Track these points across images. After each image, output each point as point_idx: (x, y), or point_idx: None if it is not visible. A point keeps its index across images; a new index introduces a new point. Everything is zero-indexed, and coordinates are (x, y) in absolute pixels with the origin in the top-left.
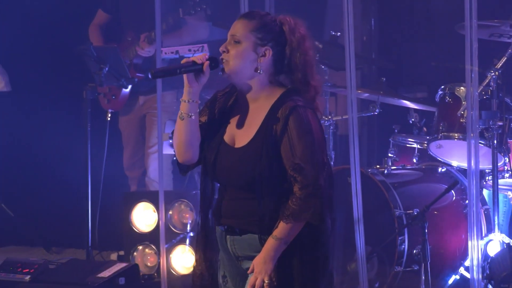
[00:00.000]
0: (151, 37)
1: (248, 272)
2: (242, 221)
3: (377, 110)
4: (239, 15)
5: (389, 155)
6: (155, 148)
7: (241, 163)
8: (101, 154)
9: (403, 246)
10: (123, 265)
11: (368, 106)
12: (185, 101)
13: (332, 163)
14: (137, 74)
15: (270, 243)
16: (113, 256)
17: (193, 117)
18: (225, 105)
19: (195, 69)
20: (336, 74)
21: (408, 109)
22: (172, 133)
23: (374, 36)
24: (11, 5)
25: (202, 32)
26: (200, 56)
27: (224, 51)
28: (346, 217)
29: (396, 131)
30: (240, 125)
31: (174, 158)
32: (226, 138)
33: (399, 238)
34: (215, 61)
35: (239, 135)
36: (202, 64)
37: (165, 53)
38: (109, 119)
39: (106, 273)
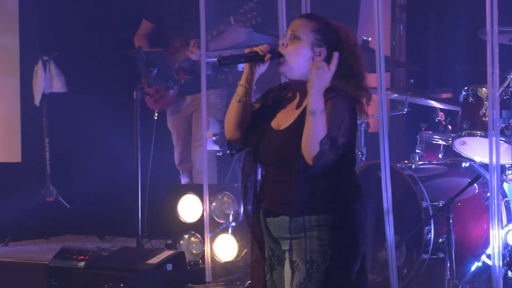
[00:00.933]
0: (198, 43)
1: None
2: (276, 204)
3: (405, 110)
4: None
5: (417, 151)
6: (201, 142)
7: (280, 143)
8: (149, 150)
9: (429, 236)
10: (170, 252)
11: (397, 106)
12: (242, 85)
13: (364, 158)
14: (185, 76)
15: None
16: (161, 244)
17: (246, 101)
18: (277, 96)
19: (256, 58)
20: (368, 76)
21: (434, 108)
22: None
23: (402, 41)
24: (70, 13)
25: (241, 36)
26: (262, 47)
27: (283, 44)
28: (376, 209)
29: (423, 129)
30: (286, 113)
31: (218, 154)
32: (273, 124)
33: (426, 228)
34: (275, 54)
35: (283, 121)
36: (264, 55)
37: (209, 57)
38: (156, 118)
39: (154, 260)
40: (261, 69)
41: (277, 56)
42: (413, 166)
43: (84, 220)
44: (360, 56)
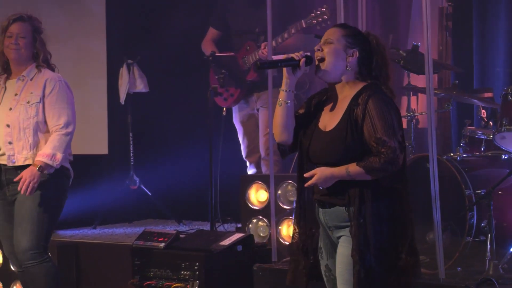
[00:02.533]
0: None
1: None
2: (332, 196)
3: (451, 107)
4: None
5: (461, 144)
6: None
7: (328, 144)
8: (218, 143)
9: (472, 220)
10: (240, 235)
11: (444, 104)
12: (283, 90)
13: (413, 151)
14: (255, 76)
15: (340, 169)
16: (232, 228)
17: (289, 104)
18: (319, 101)
19: (293, 63)
20: (418, 77)
21: (477, 106)
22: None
23: (448, 46)
24: (151, 21)
25: (300, 41)
26: (297, 53)
27: (318, 49)
28: (425, 196)
29: (467, 125)
30: (330, 113)
31: None
32: (320, 125)
33: (469, 213)
34: (309, 59)
35: (328, 121)
36: (299, 60)
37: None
38: (224, 113)
39: (226, 242)
40: (298, 73)
41: (311, 61)
42: (458, 158)
43: (164, 206)
44: (388, 59)
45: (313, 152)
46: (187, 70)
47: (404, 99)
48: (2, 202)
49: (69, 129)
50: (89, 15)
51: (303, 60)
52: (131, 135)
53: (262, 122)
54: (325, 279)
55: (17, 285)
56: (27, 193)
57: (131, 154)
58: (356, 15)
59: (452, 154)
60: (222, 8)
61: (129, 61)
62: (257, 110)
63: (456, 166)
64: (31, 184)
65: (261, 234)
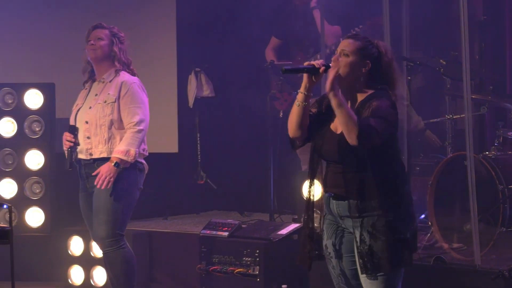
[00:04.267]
0: (317, 59)
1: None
2: (343, 190)
3: (486, 111)
4: (347, 35)
5: (495, 144)
6: None
7: (339, 145)
8: (276, 142)
9: (505, 212)
10: (296, 225)
11: (480, 108)
12: (301, 93)
13: (452, 150)
14: None
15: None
16: (289, 219)
17: (305, 105)
18: (330, 103)
19: (313, 70)
20: (456, 84)
21: (510, 109)
22: None
23: (484, 55)
24: (217, 32)
25: None
26: (318, 61)
27: (335, 60)
28: (462, 190)
29: (500, 126)
30: None
31: None
32: (331, 126)
33: (503, 206)
34: (328, 67)
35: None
36: (319, 68)
37: None
38: (281, 115)
39: (284, 231)
40: (317, 79)
41: (329, 69)
42: (492, 157)
43: (228, 199)
44: (395, 67)
45: (325, 151)
46: (250, 77)
47: (445, 103)
48: (85, 194)
49: (141, 127)
50: (161, 27)
51: (322, 68)
52: (198, 135)
53: None
54: (328, 258)
55: (97, 270)
56: (103, 187)
57: (198, 152)
58: (401, 29)
59: (487, 152)
60: (283, 20)
61: (197, 69)
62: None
63: (490, 164)
64: (107, 178)
65: (315, 224)
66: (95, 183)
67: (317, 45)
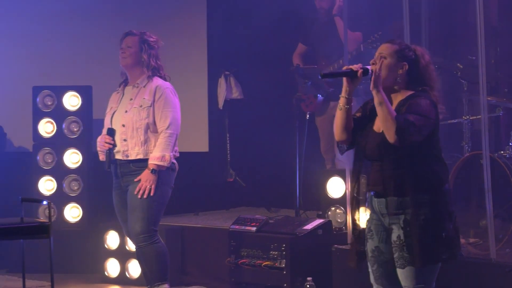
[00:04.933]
0: (340, 64)
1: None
2: (384, 187)
3: (501, 112)
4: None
5: (510, 144)
6: None
7: (381, 144)
8: (302, 142)
9: None
10: (321, 221)
11: (495, 109)
12: (343, 97)
13: (469, 149)
14: (328, 87)
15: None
16: (314, 214)
17: (347, 108)
18: (373, 105)
19: (351, 74)
20: (473, 86)
21: None
22: None
23: (500, 59)
24: (245, 37)
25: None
26: (355, 65)
27: (373, 63)
28: (479, 188)
29: None
30: None
31: None
32: (374, 127)
33: None
34: (366, 71)
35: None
36: (357, 71)
37: None
38: (307, 117)
39: (309, 226)
40: (356, 82)
41: (367, 72)
42: (507, 156)
43: (256, 196)
44: (432, 70)
45: (368, 150)
46: (277, 80)
47: (462, 105)
48: (119, 191)
49: (173, 130)
50: (192, 33)
51: (360, 71)
52: (228, 135)
53: None
54: (371, 259)
55: (132, 263)
56: (145, 196)
57: (228, 151)
58: (420, 34)
59: (502, 152)
60: (308, 27)
61: (227, 72)
62: (334, 116)
63: (505, 162)
64: (147, 188)
65: (338, 220)
66: (135, 192)
67: (340, 51)
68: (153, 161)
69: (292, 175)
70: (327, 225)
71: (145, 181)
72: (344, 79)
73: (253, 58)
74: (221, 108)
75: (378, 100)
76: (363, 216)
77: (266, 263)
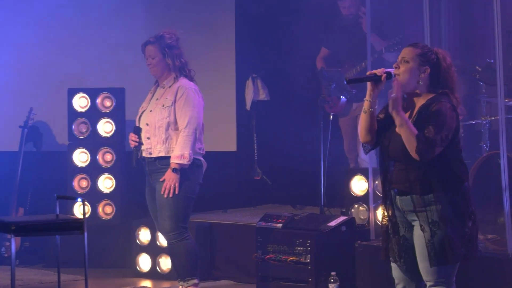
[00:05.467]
0: (362, 66)
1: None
2: (406, 185)
3: None
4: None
5: None
6: None
7: (402, 144)
8: (326, 142)
9: None
10: (344, 218)
11: None
12: (367, 100)
13: (487, 149)
14: (351, 90)
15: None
16: (337, 212)
17: (372, 111)
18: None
19: (375, 78)
20: (491, 88)
21: None
22: None
23: None
24: (271, 41)
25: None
26: (379, 70)
27: (396, 67)
28: (497, 186)
29: None
30: None
31: None
32: (396, 129)
33: None
34: (389, 75)
35: None
36: (381, 76)
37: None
38: (331, 118)
39: (333, 223)
40: (380, 86)
41: (390, 76)
42: None
43: (282, 193)
44: (453, 72)
45: (391, 151)
46: (302, 82)
47: (481, 106)
48: (150, 188)
49: (192, 129)
50: (221, 38)
51: (384, 76)
52: (255, 135)
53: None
54: (396, 253)
55: (163, 257)
56: (171, 195)
57: (255, 151)
58: (440, 37)
59: None
60: (332, 31)
61: (254, 75)
62: (356, 117)
63: None
64: (171, 187)
65: (361, 217)
66: (162, 193)
67: (363, 53)
68: (173, 160)
69: (317, 174)
70: (350, 222)
71: (168, 181)
72: (369, 83)
73: (279, 61)
74: (248, 109)
75: (399, 122)
76: (381, 210)
77: (291, 258)
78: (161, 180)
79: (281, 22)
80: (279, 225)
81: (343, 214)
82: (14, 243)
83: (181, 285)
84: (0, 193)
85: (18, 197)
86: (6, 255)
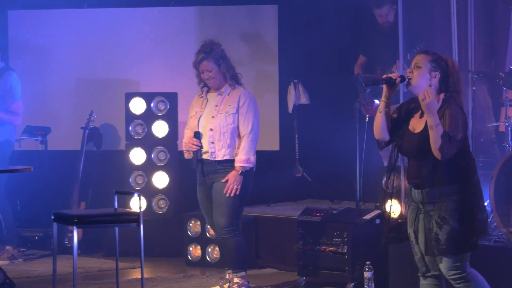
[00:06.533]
0: (391, 70)
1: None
2: (421, 179)
3: None
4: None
5: None
6: None
7: (416, 143)
8: (362, 142)
9: None
10: (378, 211)
11: None
12: (383, 101)
13: (510, 149)
14: None
15: (437, 120)
16: (372, 206)
17: (386, 111)
18: (407, 108)
19: (390, 81)
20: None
21: None
22: None
23: None
24: (312, 49)
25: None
26: (394, 74)
27: (410, 72)
28: None
29: None
30: (417, 119)
31: None
32: (409, 127)
33: None
34: (403, 78)
35: (416, 125)
36: (396, 79)
37: None
38: (367, 120)
39: (367, 216)
40: (394, 88)
41: (404, 80)
42: None
43: (321, 189)
44: (460, 78)
45: (405, 149)
46: (340, 87)
47: (503, 109)
48: (204, 187)
49: (254, 134)
50: (265, 46)
51: (398, 79)
52: (296, 136)
53: None
54: (414, 239)
55: (212, 248)
56: (232, 194)
57: (296, 150)
58: (467, 45)
59: None
60: (369, 39)
61: (295, 80)
62: None
63: None
64: (235, 187)
65: (394, 210)
66: (224, 191)
67: (395, 57)
68: (240, 164)
69: (353, 171)
70: (384, 216)
71: (233, 182)
72: (384, 86)
73: (319, 67)
74: (290, 112)
75: (432, 123)
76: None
77: (329, 248)
78: (223, 181)
79: (321, 29)
80: (319, 219)
81: (377, 208)
82: (76, 234)
83: (229, 273)
84: (64, 188)
85: (80, 192)
86: (69, 245)
